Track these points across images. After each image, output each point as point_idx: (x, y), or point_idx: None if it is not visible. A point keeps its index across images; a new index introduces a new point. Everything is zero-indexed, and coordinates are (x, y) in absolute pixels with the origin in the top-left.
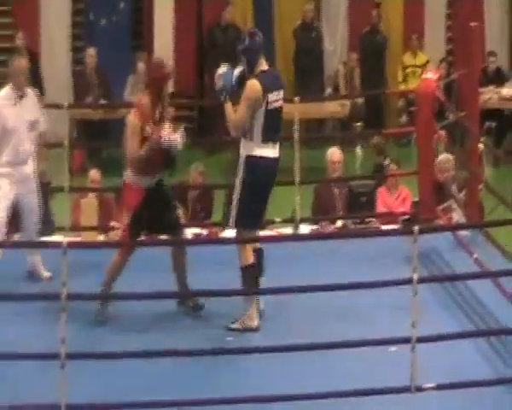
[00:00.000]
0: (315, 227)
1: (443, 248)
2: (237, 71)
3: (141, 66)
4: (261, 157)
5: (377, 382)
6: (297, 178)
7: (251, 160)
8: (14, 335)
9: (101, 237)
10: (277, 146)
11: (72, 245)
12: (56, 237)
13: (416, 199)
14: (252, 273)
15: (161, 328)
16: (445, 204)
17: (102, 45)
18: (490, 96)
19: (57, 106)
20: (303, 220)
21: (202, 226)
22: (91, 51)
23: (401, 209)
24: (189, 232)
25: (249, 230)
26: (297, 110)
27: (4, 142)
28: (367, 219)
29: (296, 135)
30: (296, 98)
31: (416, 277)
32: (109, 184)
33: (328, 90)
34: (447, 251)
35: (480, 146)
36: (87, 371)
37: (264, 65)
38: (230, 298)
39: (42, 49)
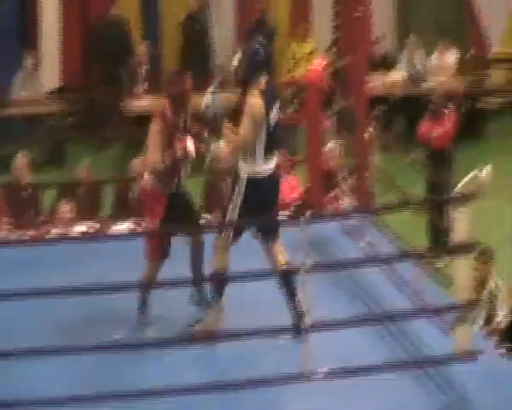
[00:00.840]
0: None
1: (333, 235)
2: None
3: (28, 62)
4: (262, 174)
5: (269, 371)
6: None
7: (253, 177)
8: None
9: None
10: (275, 157)
11: None
12: None
13: (306, 187)
14: (217, 280)
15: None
16: (334, 191)
17: None
18: (378, 82)
19: None
20: None
21: (90, 222)
22: None
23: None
24: (77, 228)
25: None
26: None
27: None
28: None
29: None
30: None
31: (306, 265)
32: None
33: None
34: (337, 238)
35: (369, 132)
36: None
37: (263, 83)
38: None
39: None
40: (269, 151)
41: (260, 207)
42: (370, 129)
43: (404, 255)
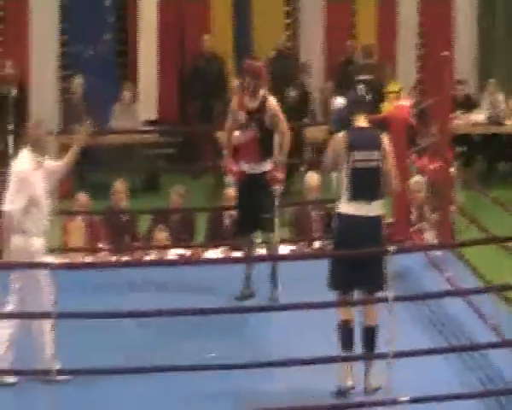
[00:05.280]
0: (293, 248)
1: (416, 267)
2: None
3: (126, 94)
4: (345, 215)
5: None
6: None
7: (337, 217)
8: None
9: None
10: (371, 205)
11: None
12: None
13: (391, 220)
14: (340, 332)
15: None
16: (418, 225)
17: (89, 75)
18: (461, 121)
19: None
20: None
21: (185, 247)
22: (78, 80)
23: None
24: (173, 253)
25: (336, 291)
26: None
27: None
28: None
29: None
30: None
31: (391, 295)
32: (97, 207)
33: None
34: (420, 271)
35: (452, 170)
36: None
37: (361, 121)
38: None
39: (32, 78)
40: (355, 193)
41: (340, 249)
42: (453, 166)
43: (486, 289)
